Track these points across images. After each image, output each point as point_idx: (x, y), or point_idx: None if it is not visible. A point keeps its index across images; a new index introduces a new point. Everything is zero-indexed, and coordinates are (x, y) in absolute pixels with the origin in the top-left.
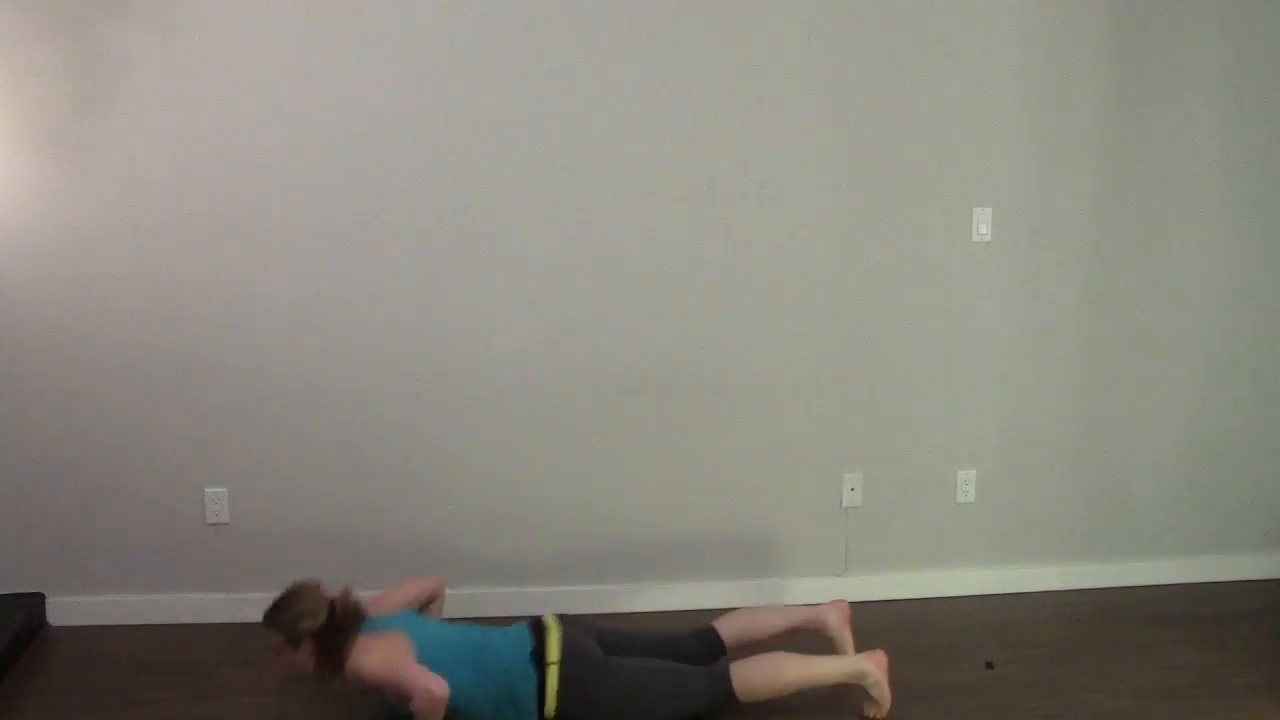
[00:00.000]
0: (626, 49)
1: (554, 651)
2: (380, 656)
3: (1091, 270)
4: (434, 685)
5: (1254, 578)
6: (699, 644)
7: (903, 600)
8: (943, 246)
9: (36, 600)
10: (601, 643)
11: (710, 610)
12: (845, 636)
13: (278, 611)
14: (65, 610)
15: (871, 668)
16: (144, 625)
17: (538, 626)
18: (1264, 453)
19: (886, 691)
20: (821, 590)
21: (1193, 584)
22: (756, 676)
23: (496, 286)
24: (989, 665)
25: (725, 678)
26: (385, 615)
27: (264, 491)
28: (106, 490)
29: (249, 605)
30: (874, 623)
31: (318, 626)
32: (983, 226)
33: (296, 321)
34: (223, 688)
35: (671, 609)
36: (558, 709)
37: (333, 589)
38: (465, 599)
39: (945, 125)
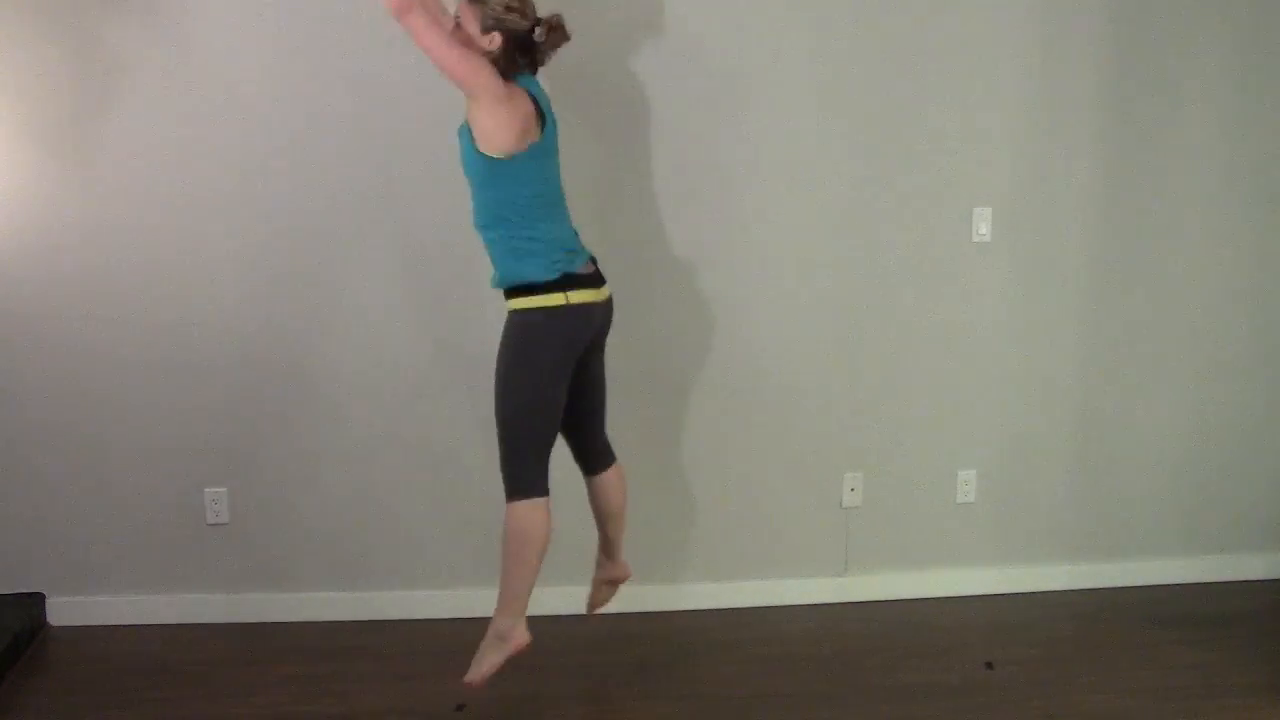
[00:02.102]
0: (625, 44)
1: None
2: (505, 99)
3: (1091, 270)
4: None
5: (1254, 578)
6: (590, 453)
7: (903, 600)
8: (943, 246)
9: (36, 600)
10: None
11: (710, 610)
12: (602, 592)
13: None
14: (65, 610)
15: (514, 641)
16: (144, 625)
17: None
18: (1264, 453)
19: (493, 665)
20: (822, 590)
21: (1193, 584)
22: (519, 531)
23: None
24: (989, 665)
25: (532, 489)
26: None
27: (264, 491)
28: (106, 490)
29: (249, 605)
30: (874, 623)
31: (517, 33)
32: (983, 226)
33: (298, 320)
34: (223, 688)
35: (671, 609)
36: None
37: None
38: (464, 599)
39: (945, 125)
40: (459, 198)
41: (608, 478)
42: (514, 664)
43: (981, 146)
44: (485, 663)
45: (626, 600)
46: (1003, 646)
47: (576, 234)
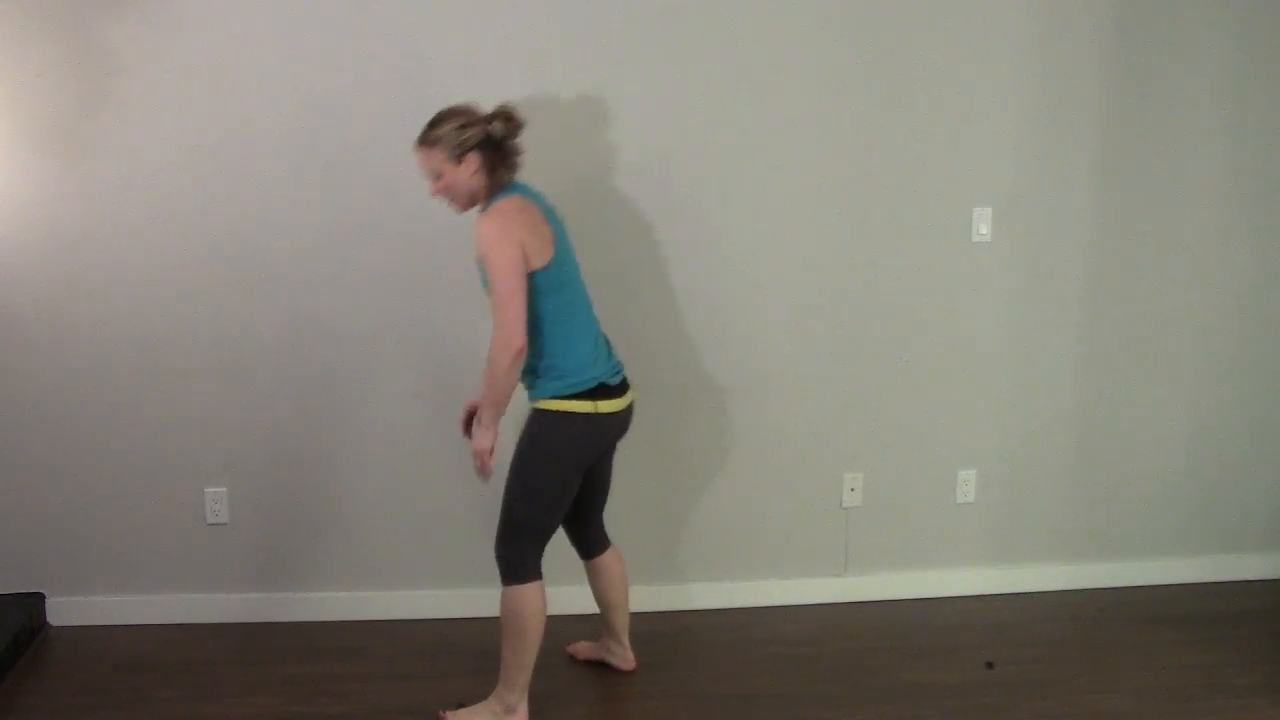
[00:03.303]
0: (626, 46)
1: (616, 393)
2: (499, 222)
3: (1092, 270)
4: (516, 326)
5: (1254, 578)
6: (586, 538)
7: (903, 600)
8: (943, 246)
9: (36, 600)
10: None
11: (710, 611)
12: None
13: (435, 125)
14: (65, 610)
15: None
16: (144, 625)
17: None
18: (1264, 453)
19: None
20: (822, 590)
21: (1193, 584)
22: (515, 613)
23: None
24: (989, 665)
25: (527, 575)
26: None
27: (264, 491)
28: (106, 490)
29: (249, 605)
30: (874, 623)
31: (481, 139)
32: (983, 226)
33: (298, 321)
34: (223, 688)
35: (671, 609)
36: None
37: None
38: (462, 599)
39: (945, 125)
40: None
41: (606, 560)
42: None
43: (981, 146)
44: None
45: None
46: (1003, 646)
47: (607, 341)
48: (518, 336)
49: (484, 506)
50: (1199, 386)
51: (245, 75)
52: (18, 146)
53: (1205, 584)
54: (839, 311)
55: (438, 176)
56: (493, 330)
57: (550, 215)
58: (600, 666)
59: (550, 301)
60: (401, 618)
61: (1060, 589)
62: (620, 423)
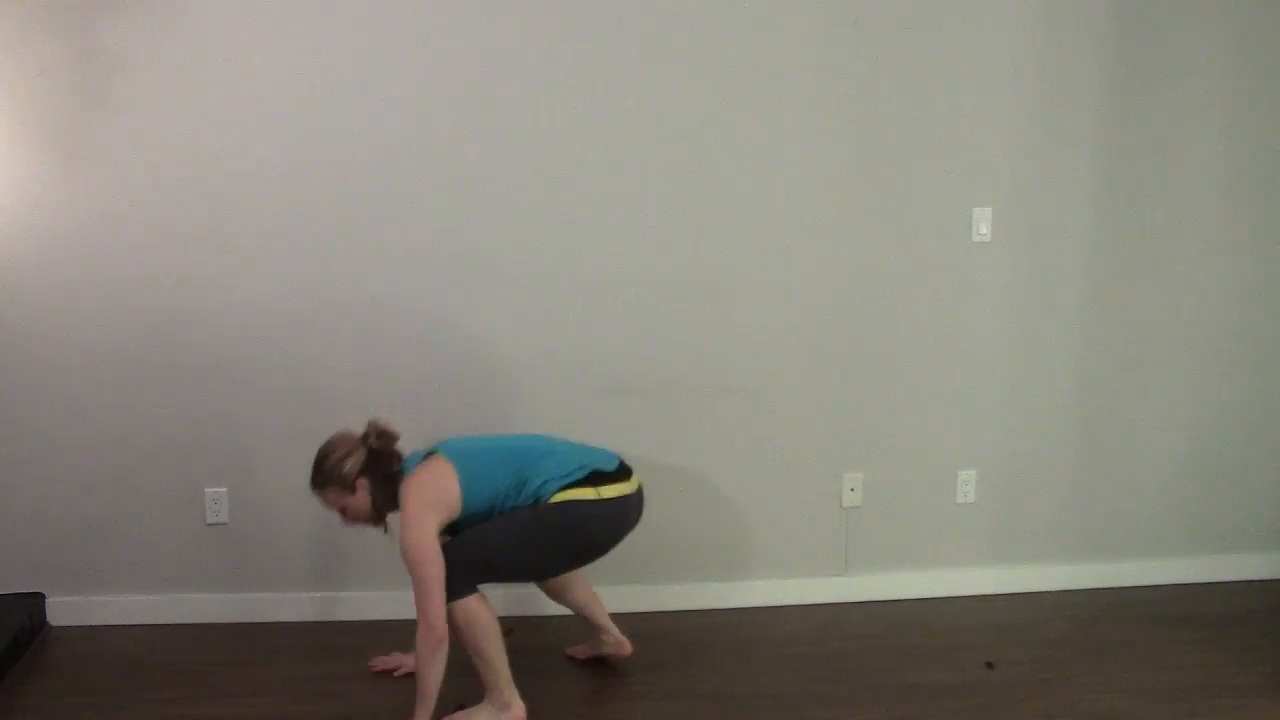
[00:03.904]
0: (626, 50)
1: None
2: (413, 501)
3: (1092, 270)
4: (438, 617)
5: (1255, 578)
6: None
7: (903, 600)
8: (943, 246)
9: (36, 600)
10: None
11: (711, 611)
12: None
13: (319, 467)
14: (65, 610)
15: (514, 711)
16: (144, 625)
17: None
18: (1264, 453)
19: None
20: (822, 590)
21: (1193, 584)
22: (467, 624)
23: (494, 288)
24: (989, 665)
25: (464, 594)
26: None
27: (264, 491)
28: (106, 490)
29: (249, 605)
30: (874, 623)
31: (364, 461)
32: (983, 226)
33: (298, 321)
34: (223, 688)
35: (670, 609)
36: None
37: (359, 428)
38: None
39: (945, 125)
40: (461, 201)
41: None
42: (515, 664)
43: (981, 146)
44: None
45: (628, 600)
46: (1003, 646)
47: (583, 449)
48: (439, 627)
49: None
50: (1199, 386)
51: (246, 75)
52: (18, 146)
53: (1205, 584)
54: (839, 311)
55: (341, 510)
56: (417, 619)
57: (443, 454)
58: (601, 665)
59: (485, 499)
60: (401, 618)
61: (1060, 589)
62: (634, 507)
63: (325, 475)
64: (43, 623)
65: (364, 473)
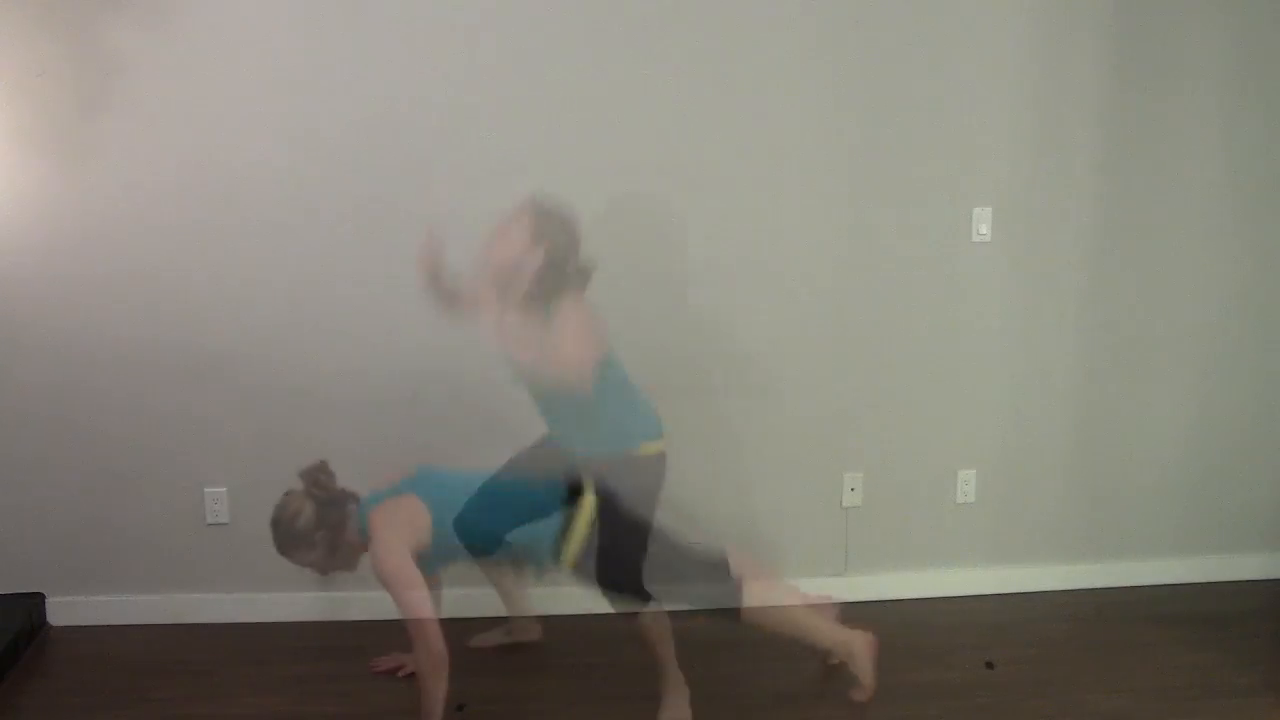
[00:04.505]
0: (627, 45)
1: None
2: (381, 539)
3: (1091, 270)
4: (433, 635)
5: (1254, 578)
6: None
7: (903, 600)
8: (943, 246)
9: (36, 600)
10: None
11: (710, 610)
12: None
13: (276, 536)
14: (65, 610)
15: (861, 646)
16: (144, 625)
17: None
18: (1264, 453)
19: (870, 672)
20: (822, 590)
21: (1193, 584)
22: (770, 599)
23: None
24: (989, 665)
25: (726, 572)
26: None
27: (264, 491)
28: (106, 490)
29: (249, 605)
30: (874, 623)
31: (314, 516)
32: (983, 226)
33: (298, 321)
34: (223, 688)
35: (669, 609)
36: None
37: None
38: (460, 599)
39: (945, 125)
40: (461, 204)
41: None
42: (515, 664)
43: (981, 146)
44: (865, 677)
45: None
46: (1003, 646)
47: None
48: (437, 648)
49: None
50: (1198, 386)
51: (246, 74)
52: (18, 146)
53: (1205, 584)
54: (839, 311)
55: (315, 568)
56: (413, 642)
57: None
58: (596, 671)
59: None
60: (401, 617)
61: (1060, 589)
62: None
63: (284, 541)
64: (43, 623)
65: (317, 524)
